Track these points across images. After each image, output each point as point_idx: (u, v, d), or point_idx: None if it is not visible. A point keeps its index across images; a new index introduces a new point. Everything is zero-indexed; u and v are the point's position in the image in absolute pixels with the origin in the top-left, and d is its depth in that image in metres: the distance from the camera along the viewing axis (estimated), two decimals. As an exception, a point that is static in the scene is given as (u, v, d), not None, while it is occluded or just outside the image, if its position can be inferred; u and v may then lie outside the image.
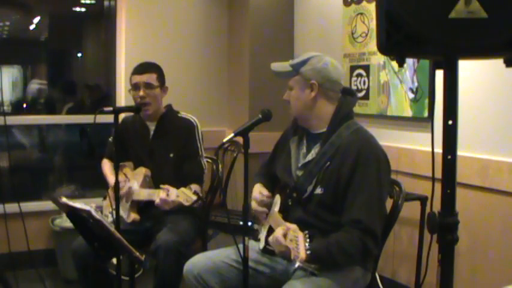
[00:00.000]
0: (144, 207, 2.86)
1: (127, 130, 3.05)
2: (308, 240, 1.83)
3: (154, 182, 2.88)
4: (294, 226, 1.96)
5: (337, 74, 2.24)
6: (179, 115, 3.03)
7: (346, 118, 2.22)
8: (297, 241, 1.82)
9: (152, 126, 2.99)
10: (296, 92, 2.25)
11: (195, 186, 2.78)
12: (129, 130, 3.05)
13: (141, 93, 2.87)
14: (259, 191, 2.38)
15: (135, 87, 2.91)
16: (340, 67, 2.28)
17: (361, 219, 2.03)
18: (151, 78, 2.91)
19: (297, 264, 1.79)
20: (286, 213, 2.21)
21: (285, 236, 1.91)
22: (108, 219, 2.72)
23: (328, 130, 2.21)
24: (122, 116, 3.08)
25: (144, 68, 2.95)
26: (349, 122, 2.21)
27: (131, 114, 3.04)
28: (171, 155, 2.92)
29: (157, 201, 2.60)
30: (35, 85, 4.69)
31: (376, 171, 2.10)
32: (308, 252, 1.79)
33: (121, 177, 2.84)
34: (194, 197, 2.48)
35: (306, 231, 1.88)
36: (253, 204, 2.33)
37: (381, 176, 2.12)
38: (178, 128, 2.97)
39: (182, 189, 2.54)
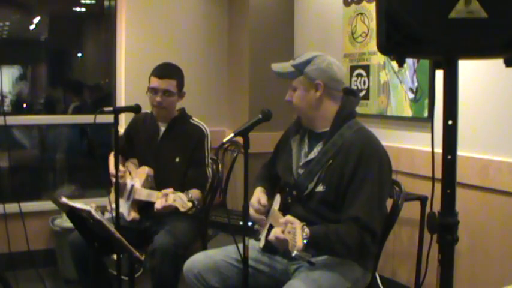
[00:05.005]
0: (144, 207, 2.85)
1: (137, 127, 3.03)
2: (306, 230, 1.85)
3: (156, 183, 2.87)
4: (290, 218, 1.96)
5: (341, 74, 2.25)
6: (191, 121, 2.99)
7: (349, 117, 2.23)
8: (294, 233, 1.84)
9: (163, 127, 2.96)
10: (300, 93, 2.24)
11: (194, 192, 2.76)
12: (139, 127, 3.03)
13: (158, 98, 2.83)
14: (257, 198, 2.36)
15: (153, 90, 2.85)
16: (342, 66, 2.30)
17: (360, 217, 2.04)
18: (171, 85, 2.85)
19: (294, 253, 1.81)
20: (286, 211, 2.21)
21: (283, 231, 1.92)
22: (113, 213, 2.71)
23: (330, 129, 2.21)
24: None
25: (165, 72, 2.87)
26: (351, 122, 2.22)
27: (144, 111, 2.92)
28: (177, 160, 2.89)
29: (157, 206, 2.59)
30: (19, 86, 4.69)
31: (378, 170, 2.11)
32: (305, 241, 1.81)
33: (121, 168, 2.82)
34: (189, 205, 2.49)
35: (304, 222, 1.90)
36: (251, 211, 2.32)
37: (382, 175, 2.13)
38: (189, 134, 2.93)
39: (179, 194, 2.54)
